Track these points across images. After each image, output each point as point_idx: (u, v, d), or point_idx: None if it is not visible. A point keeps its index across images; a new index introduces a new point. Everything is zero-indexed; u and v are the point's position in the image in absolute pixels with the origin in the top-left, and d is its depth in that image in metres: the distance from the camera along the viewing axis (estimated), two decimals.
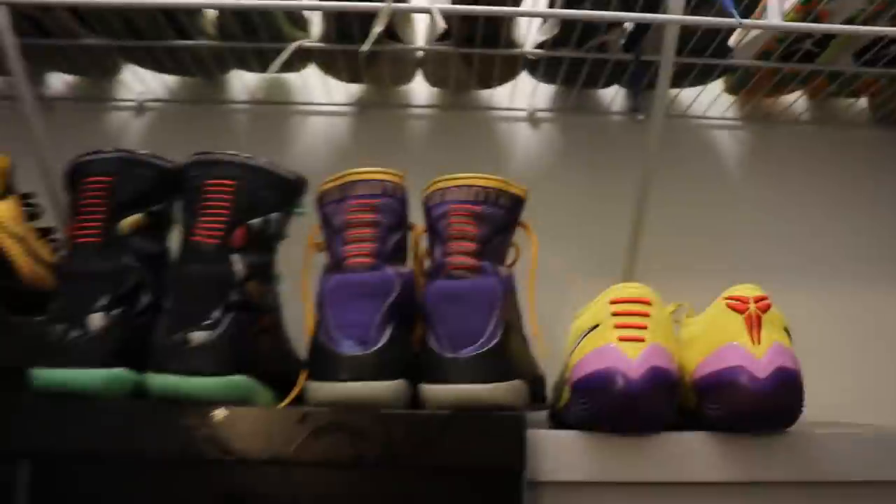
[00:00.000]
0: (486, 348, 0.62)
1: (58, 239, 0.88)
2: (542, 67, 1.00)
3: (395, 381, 0.63)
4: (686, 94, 1.11)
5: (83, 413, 0.63)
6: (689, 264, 1.05)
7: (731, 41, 0.98)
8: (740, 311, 0.66)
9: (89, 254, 0.67)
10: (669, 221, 1.08)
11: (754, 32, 0.94)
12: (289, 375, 0.71)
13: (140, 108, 1.08)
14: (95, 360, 0.64)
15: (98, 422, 0.63)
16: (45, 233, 0.85)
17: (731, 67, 0.99)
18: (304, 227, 0.74)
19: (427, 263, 0.71)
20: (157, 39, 0.94)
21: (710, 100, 1.09)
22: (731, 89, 1.08)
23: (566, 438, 0.66)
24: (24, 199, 0.81)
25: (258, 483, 0.62)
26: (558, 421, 0.76)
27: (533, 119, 1.11)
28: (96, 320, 0.65)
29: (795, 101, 1.10)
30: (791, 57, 0.97)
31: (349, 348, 0.62)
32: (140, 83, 1.07)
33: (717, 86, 1.08)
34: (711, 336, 0.67)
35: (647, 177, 0.89)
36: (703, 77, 1.01)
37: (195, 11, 0.92)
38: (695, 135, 1.12)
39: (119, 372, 0.64)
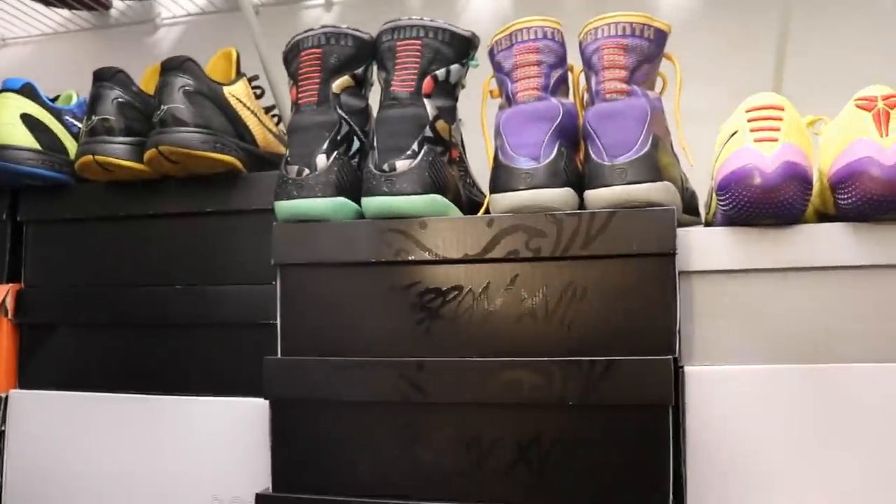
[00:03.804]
0: (639, 154, 0.74)
1: (277, 115, 1.06)
2: None
3: (564, 189, 0.76)
4: None
5: (319, 233, 0.81)
6: (835, 85, 1.08)
7: None
8: (868, 110, 0.73)
9: (311, 110, 0.83)
10: (814, 47, 1.11)
11: None
12: (471, 198, 0.86)
13: (328, 5, 1.25)
14: (323, 191, 0.81)
15: (330, 239, 0.81)
16: (267, 110, 1.03)
17: None
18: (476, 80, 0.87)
19: (585, 97, 0.83)
20: None
21: None
22: None
23: (713, 232, 0.76)
24: (251, 81, 1.00)
25: (455, 277, 0.78)
26: None
27: None
28: (321, 161, 0.81)
29: None
30: None
31: (525, 163, 0.76)
32: None
33: None
34: (844, 135, 0.75)
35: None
36: None
37: None
38: None
39: (343, 200, 0.81)
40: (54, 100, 1.03)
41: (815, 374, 0.73)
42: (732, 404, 0.74)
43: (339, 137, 0.82)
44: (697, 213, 0.88)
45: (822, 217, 0.82)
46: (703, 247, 0.76)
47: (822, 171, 0.79)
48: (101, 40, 1.33)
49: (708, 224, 0.87)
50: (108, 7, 1.30)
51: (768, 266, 0.75)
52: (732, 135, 0.76)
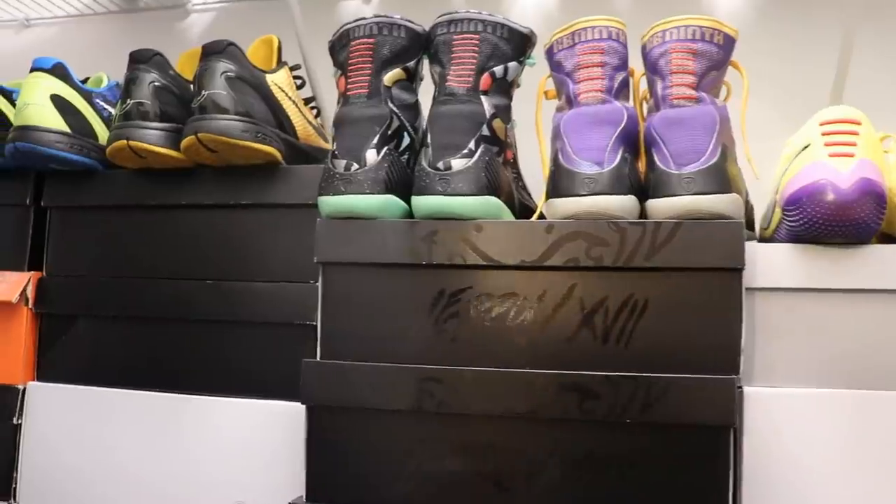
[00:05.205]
0: (708, 164, 0.70)
1: (316, 107, 1.03)
2: None
3: (627, 196, 0.72)
4: None
5: (366, 231, 0.77)
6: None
7: None
8: None
9: (361, 103, 0.79)
10: (876, 61, 1.08)
11: None
12: (523, 202, 0.83)
13: None
14: (372, 188, 0.77)
15: (378, 238, 0.77)
16: (306, 101, 1.00)
17: None
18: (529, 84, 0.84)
19: (646, 105, 0.79)
20: None
21: None
22: None
23: (780, 249, 0.73)
24: (292, 70, 0.96)
25: (510, 284, 0.74)
26: None
27: None
28: (371, 156, 0.77)
29: None
30: None
31: (588, 168, 0.72)
32: None
33: None
34: None
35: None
36: None
37: None
38: None
39: (392, 198, 0.77)
40: (84, 82, 0.99)
41: (878, 401, 0.71)
42: (792, 428, 0.71)
43: (389, 132, 0.79)
44: (753, 228, 0.85)
45: (886, 238, 0.79)
46: (769, 263, 0.73)
47: (891, 190, 0.76)
48: (128, 24, 1.29)
49: (763, 239, 0.84)
50: None
51: (835, 286, 0.72)
52: (804, 148, 0.73)
